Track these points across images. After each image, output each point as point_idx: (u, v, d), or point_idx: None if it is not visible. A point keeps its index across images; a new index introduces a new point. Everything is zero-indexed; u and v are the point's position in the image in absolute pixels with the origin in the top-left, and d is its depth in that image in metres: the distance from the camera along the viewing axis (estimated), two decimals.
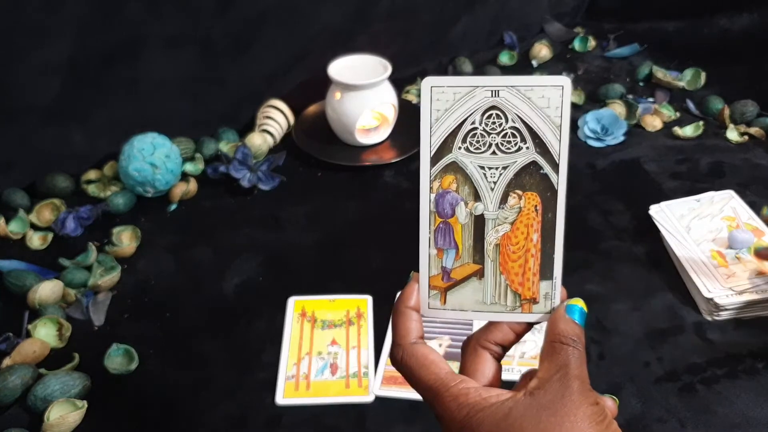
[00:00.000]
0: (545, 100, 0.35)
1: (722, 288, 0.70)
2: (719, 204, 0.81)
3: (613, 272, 0.76)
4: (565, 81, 0.35)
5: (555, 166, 0.36)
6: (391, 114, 0.97)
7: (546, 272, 0.37)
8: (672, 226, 0.79)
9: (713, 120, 1.05)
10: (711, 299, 0.69)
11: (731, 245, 0.75)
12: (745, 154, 0.95)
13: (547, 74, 1.18)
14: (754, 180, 0.90)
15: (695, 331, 0.69)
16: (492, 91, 0.36)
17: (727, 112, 1.02)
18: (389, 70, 0.93)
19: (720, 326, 0.69)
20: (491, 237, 0.37)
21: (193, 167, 0.93)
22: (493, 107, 0.36)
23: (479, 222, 0.37)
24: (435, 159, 0.37)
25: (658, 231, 0.79)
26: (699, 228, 0.78)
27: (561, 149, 0.36)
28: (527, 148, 0.36)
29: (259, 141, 0.95)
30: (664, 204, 0.82)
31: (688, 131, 1.01)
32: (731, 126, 1.01)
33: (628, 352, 0.67)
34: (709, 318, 0.70)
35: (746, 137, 0.99)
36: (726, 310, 0.69)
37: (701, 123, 1.02)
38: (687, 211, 0.81)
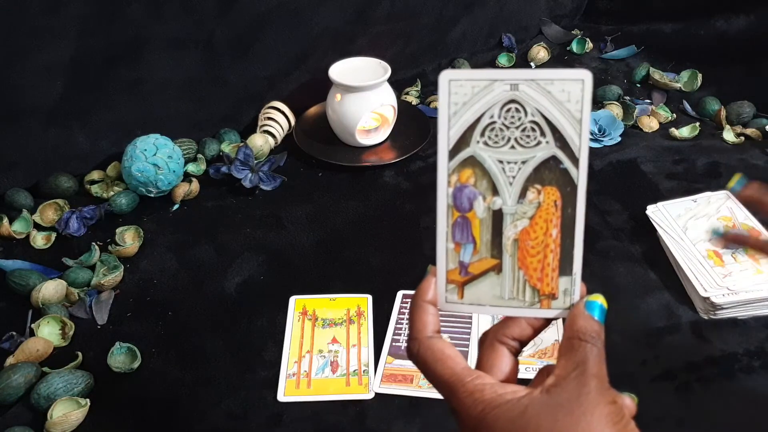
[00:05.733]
0: (565, 93, 0.34)
1: (718, 287, 0.70)
2: (715, 204, 0.82)
3: (611, 271, 0.77)
4: (585, 74, 0.34)
5: (575, 161, 0.35)
6: (390, 115, 0.97)
7: (565, 268, 0.36)
8: (669, 226, 0.79)
9: (710, 121, 1.05)
10: (707, 298, 0.70)
11: (727, 245, 0.75)
12: (741, 155, 0.96)
13: None
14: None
15: (692, 330, 0.70)
16: (511, 84, 0.35)
17: (723, 113, 1.02)
18: (389, 71, 0.93)
19: (716, 325, 0.70)
20: (509, 232, 0.36)
21: (195, 168, 0.93)
22: (512, 101, 0.35)
23: (497, 217, 0.36)
24: (453, 153, 0.36)
25: (655, 231, 0.80)
26: (695, 228, 0.78)
27: (581, 144, 0.35)
28: (547, 142, 0.35)
29: (260, 142, 0.95)
30: (661, 204, 0.83)
31: (684, 132, 1.01)
32: (727, 127, 1.01)
33: (625, 351, 0.67)
34: (705, 317, 0.71)
35: (742, 138, 1.00)
36: (722, 309, 0.70)
37: (698, 124, 1.02)
38: (684, 211, 0.81)
